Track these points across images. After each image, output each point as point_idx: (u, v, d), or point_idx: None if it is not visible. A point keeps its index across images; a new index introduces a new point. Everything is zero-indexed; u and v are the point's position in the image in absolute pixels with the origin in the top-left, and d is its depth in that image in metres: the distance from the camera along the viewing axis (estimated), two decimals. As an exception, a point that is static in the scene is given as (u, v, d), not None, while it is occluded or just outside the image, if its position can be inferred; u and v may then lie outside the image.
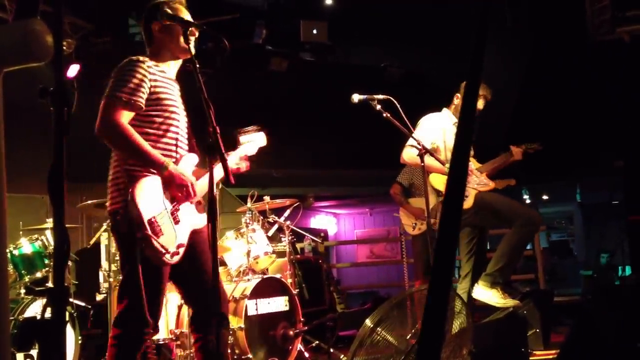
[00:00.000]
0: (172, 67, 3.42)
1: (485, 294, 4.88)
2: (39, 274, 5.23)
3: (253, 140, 3.77)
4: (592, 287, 10.15)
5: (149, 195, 3.07)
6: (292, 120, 9.26)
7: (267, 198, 6.04)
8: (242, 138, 3.78)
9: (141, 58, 3.21)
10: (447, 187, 1.13)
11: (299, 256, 6.66)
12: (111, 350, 3.11)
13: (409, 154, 5.03)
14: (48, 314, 5.01)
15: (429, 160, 4.70)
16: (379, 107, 4.44)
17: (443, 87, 5.61)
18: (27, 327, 4.76)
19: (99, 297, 5.66)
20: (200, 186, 3.32)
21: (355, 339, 3.05)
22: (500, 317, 4.86)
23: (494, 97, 5.42)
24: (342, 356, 5.72)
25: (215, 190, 2.94)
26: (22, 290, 5.26)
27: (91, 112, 3.18)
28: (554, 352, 4.95)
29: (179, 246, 3.14)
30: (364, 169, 10.79)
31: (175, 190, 3.18)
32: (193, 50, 3.24)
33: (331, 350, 5.89)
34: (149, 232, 2.98)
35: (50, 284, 5.31)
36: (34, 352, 4.72)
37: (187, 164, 3.32)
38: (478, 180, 5.05)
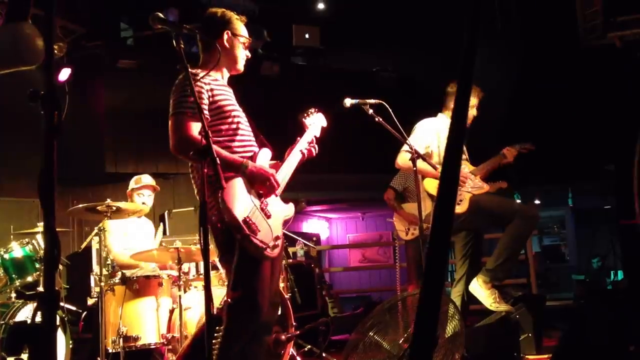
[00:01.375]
0: (224, 74, 3.57)
1: (481, 292, 4.88)
2: (29, 278, 5.21)
3: (315, 122, 3.92)
4: (584, 292, 10.17)
5: (238, 196, 3.15)
6: (284, 124, 9.23)
7: (259, 202, 6.02)
8: (307, 121, 3.91)
9: (193, 71, 3.28)
10: (439, 190, 1.13)
11: (291, 260, 6.65)
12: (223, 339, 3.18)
13: (403, 158, 5.03)
14: (38, 318, 4.98)
15: (421, 164, 4.71)
16: (371, 111, 4.45)
17: (435, 91, 5.61)
18: (17, 331, 4.73)
19: (90, 302, 5.63)
20: (282, 177, 3.44)
21: (348, 343, 3.04)
22: (493, 321, 4.86)
23: (486, 101, 5.43)
24: (334, 360, 5.72)
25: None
26: (13, 295, 5.23)
27: (83, 116, 3.18)
28: (546, 356, 4.95)
29: (276, 238, 3.27)
30: (356, 173, 10.79)
31: (260, 185, 3.27)
32: (243, 69, 3.59)
33: (323, 354, 5.89)
34: (247, 231, 3.07)
35: (40, 288, 5.28)
36: (24, 357, 4.69)
37: (263, 159, 3.44)
38: (472, 184, 5.05)
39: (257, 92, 8.95)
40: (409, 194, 6.44)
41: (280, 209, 3.43)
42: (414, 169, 4.60)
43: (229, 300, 3.23)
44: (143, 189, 5.81)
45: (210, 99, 3.31)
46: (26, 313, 4.96)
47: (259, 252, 3.13)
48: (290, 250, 7.39)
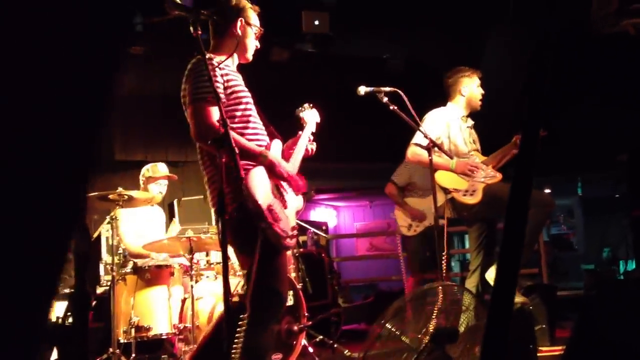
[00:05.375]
0: (234, 61, 3.52)
1: None
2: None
3: (311, 118, 3.89)
4: (594, 282, 10.12)
5: (261, 185, 3.13)
6: (293, 112, 9.18)
7: (270, 191, 5.97)
8: (304, 115, 3.91)
9: (207, 56, 3.24)
10: (510, 195, 1.07)
11: (302, 250, 6.61)
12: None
13: (414, 152, 4.97)
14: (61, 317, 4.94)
15: (435, 157, 4.68)
16: (385, 99, 4.39)
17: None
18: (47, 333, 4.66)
19: (99, 290, 5.60)
20: (293, 167, 3.45)
21: (370, 335, 2.99)
22: (508, 313, 4.79)
23: (500, 89, 5.36)
24: (346, 351, 5.68)
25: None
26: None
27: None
28: (560, 348, 4.89)
29: (293, 228, 3.28)
30: (365, 162, 10.74)
31: (277, 176, 3.28)
32: (251, 59, 3.56)
33: (335, 345, 5.85)
34: (271, 219, 3.07)
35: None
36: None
37: (276, 150, 3.42)
38: (485, 174, 4.99)
39: (266, 78, 8.89)
40: (413, 189, 6.47)
41: (294, 200, 3.45)
42: (429, 158, 4.54)
43: (251, 289, 3.19)
44: (160, 179, 5.76)
45: (225, 84, 3.27)
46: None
47: (279, 241, 3.12)
48: (301, 239, 7.34)
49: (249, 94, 3.41)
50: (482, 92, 5.26)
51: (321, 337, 5.91)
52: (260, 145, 3.33)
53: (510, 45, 8.97)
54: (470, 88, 5.23)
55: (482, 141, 5.37)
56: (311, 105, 3.98)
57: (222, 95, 3.19)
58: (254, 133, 3.35)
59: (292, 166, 3.46)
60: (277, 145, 3.47)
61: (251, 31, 3.50)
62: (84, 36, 0.96)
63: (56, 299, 5.00)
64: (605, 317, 3.19)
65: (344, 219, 16.99)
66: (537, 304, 5.15)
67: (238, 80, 3.39)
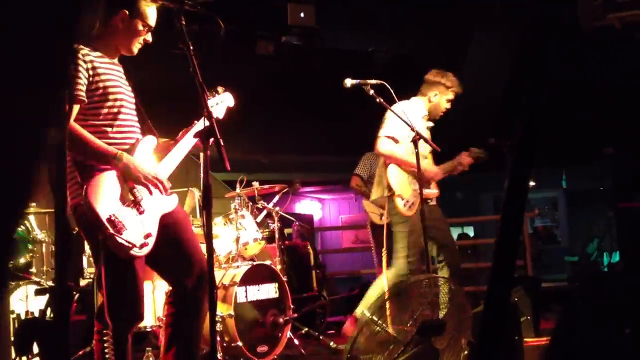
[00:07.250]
0: (115, 52, 3.30)
1: None
2: (22, 260, 5.15)
3: (220, 102, 3.59)
4: (579, 274, 10.19)
5: (105, 192, 2.97)
6: (278, 105, 9.17)
7: (256, 184, 5.95)
8: (208, 102, 3.45)
9: (79, 47, 3.08)
10: (507, 188, 1.06)
11: (287, 242, 6.60)
12: (97, 345, 3.06)
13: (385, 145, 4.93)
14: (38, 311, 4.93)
15: (400, 153, 4.70)
16: (372, 92, 4.37)
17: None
18: (26, 327, 4.63)
19: (82, 282, 5.56)
20: (166, 168, 3.26)
21: (355, 329, 2.98)
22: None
23: (484, 84, 5.36)
24: (331, 343, 5.67)
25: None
26: (5, 276, 5.15)
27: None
28: (544, 339, 4.93)
29: (147, 236, 3.06)
30: (351, 154, 10.73)
31: (134, 180, 3.08)
32: (135, 52, 3.28)
33: (320, 337, 5.85)
34: (111, 230, 2.90)
35: (33, 270, 5.24)
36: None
37: (144, 149, 3.23)
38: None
39: (251, 71, 8.85)
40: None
41: (158, 203, 3.18)
42: (416, 150, 4.49)
43: (105, 302, 3.08)
44: None
45: (91, 79, 3.07)
46: (19, 295, 4.90)
47: (123, 252, 2.96)
48: (286, 231, 7.32)
49: (123, 89, 3.22)
50: (448, 107, 5.20)
51: (307, 329, 5.90)
52: (125, 144, 3.15)
53: (496, 41, 8.99)
54: (440, 99, 5.18)
55: (464, 137, 5.37)
56: (224, 89, 3.65)
57: (81, 91, 3.03)
58: (120, 132, 3.16)
59: (165, 165, 3.26)
60: (147, 142, 3.25)
61: (137, 26, 3.22)
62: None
63: (37, 293, 4.99)
64: (589, 308, 3.21)
65: (330, 212, 16.96)
66: (521, 295, 5.17)
67: (112, 74, 3.19)
